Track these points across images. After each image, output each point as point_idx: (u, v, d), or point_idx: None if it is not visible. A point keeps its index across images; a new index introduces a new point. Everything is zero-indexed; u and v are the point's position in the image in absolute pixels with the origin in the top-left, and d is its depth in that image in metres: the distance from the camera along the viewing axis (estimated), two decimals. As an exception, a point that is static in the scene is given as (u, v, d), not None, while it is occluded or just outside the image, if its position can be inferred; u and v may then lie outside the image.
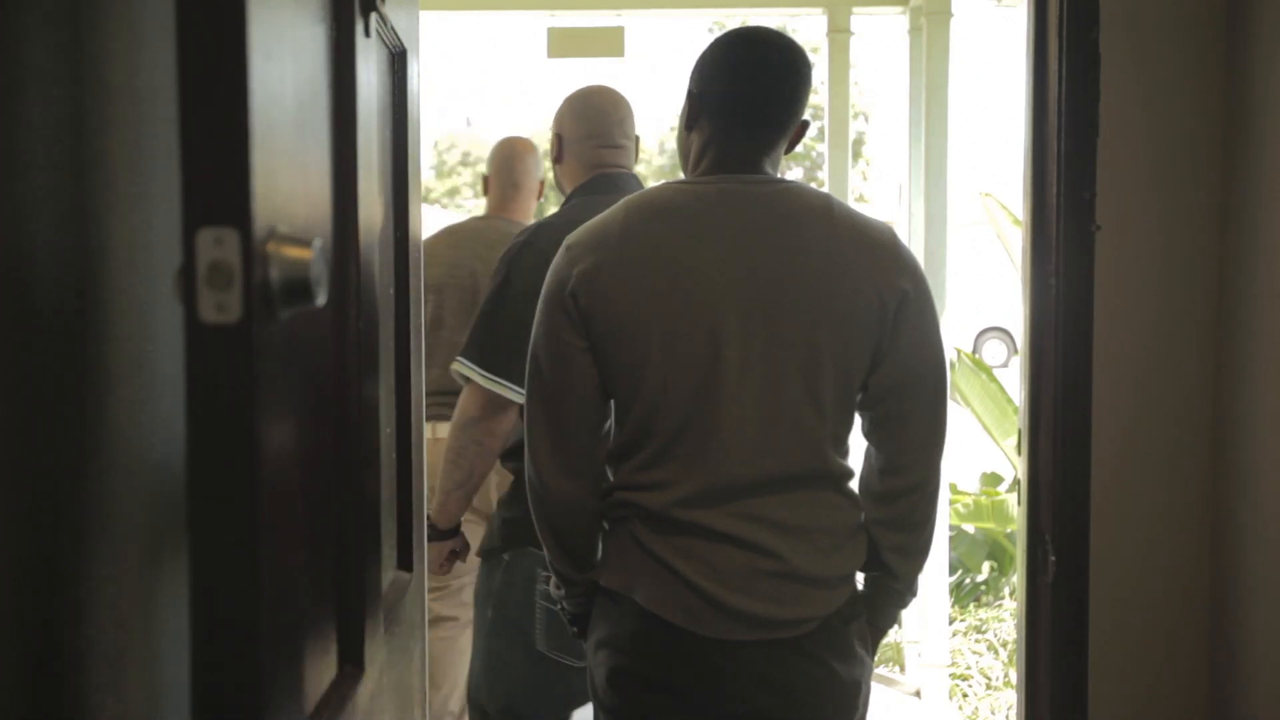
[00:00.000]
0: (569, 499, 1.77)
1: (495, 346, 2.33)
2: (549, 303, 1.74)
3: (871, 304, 1.70)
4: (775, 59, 1.75)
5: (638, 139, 2.50)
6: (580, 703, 2.43)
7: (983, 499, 5.05)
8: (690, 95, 1.79)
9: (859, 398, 1.77)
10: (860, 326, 1.70)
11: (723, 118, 1.76)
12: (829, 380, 1.70)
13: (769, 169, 1.78)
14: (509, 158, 3.27)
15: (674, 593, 1.69)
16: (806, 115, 1.81)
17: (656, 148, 24.78)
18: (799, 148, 1.83)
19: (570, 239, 1.76)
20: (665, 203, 1.73)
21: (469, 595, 2.88)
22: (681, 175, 1.86)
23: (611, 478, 1.79)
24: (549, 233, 2.27)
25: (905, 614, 4.16)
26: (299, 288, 0.85)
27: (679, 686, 1.71)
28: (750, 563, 1.69)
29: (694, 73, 1.80)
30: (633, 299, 1.68)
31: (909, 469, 1.78)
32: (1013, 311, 15.63)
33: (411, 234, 1.67)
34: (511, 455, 2.42)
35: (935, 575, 4.14)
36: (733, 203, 1.71)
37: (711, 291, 1.67)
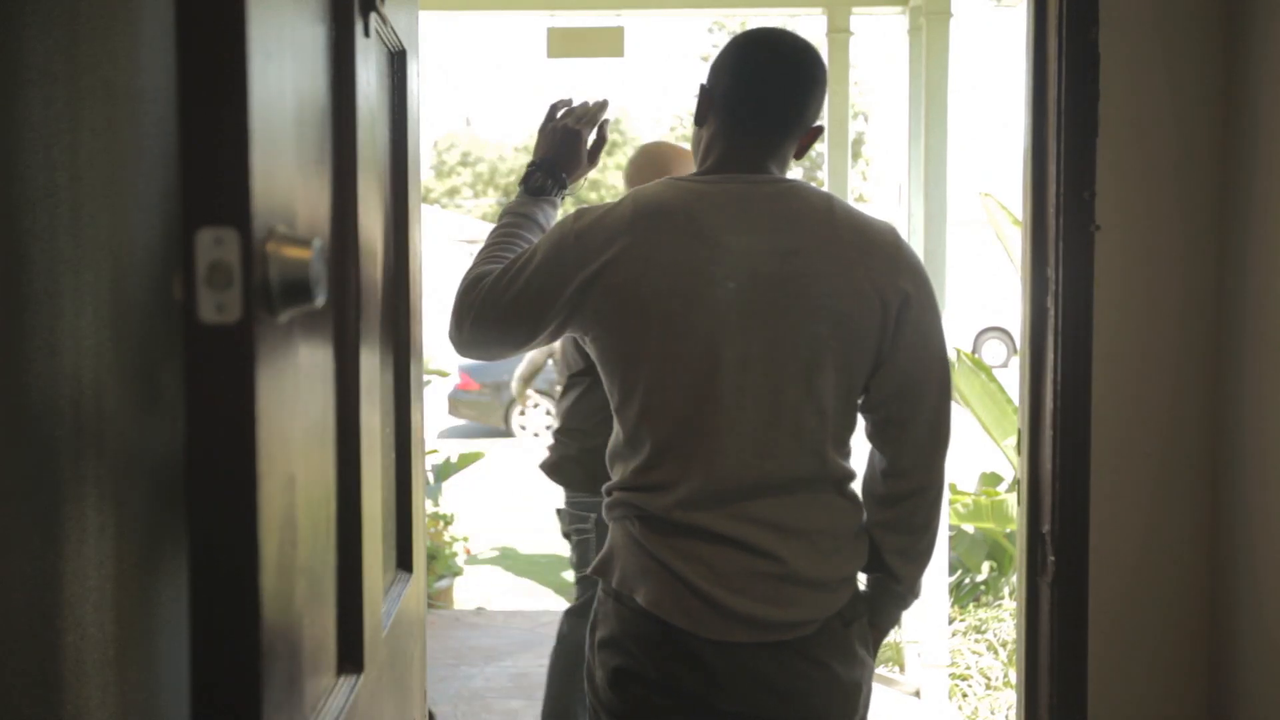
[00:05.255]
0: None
1: None
2: (559, 240, 1.72)
3: (873, 304, 1.69)
4: (787, 61, 1.75)
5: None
6: None
7: (983, 499, 5.04)
8: (702, 90, 1.79)
9: (861, 400, 1.76)
10: (861, 327, 1.69)
11: (729, 115, 1.76)
12: (830, 381, 1.69)
13: (774, 170, 1.77)
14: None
15: (675, 594, 1.69)
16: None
17: (656, 148, 24.70)
18: (804, 151, 1.83)
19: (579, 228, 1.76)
20: (667, 201, 1.73)
21: None
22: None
23: (613, 477, 1.79)
24: None
25: (905, 614, 4.15)
26: (299, 288, 0.85)
27: (680, 687, 1.71)
28: (750, 565, 1.68)
29: (710, 69, 1.81)
30: (633, 296, 1.67)
31: (911, 472, 1.77)
32: (1013, 311, 15.65)
33: (411, 234, 1.67)
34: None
35: (935, 575, 4.14)
36: (734, 202, 1.71)
37: (711, 291, 1.67)
